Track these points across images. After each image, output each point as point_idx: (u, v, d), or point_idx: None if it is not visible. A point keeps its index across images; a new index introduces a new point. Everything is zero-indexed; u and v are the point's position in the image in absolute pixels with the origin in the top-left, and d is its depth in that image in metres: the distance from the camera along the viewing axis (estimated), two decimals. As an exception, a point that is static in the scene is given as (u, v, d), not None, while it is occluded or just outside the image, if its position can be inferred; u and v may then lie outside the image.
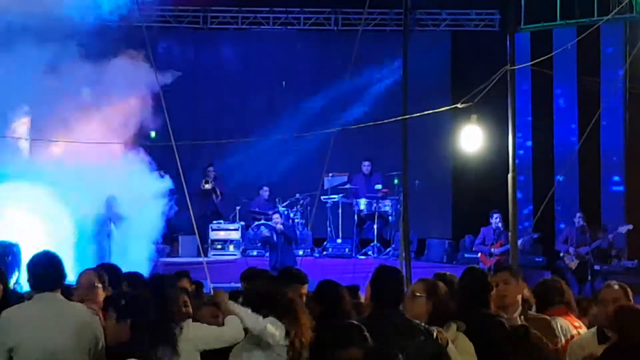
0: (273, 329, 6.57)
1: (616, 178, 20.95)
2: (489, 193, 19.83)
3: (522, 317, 7.43)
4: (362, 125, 15.49)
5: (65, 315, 6.83)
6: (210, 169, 21.35)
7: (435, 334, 6.40)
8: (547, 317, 7.56)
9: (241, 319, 6.70)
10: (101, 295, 7.45)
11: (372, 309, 6.72)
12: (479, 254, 19.38)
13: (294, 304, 6.81)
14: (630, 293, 7.46)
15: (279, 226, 19.19)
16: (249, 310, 6.67)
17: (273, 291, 6.91)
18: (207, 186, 21.16)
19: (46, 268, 7.01)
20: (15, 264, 15.13)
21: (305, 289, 7.87)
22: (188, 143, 16.68)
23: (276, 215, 19.52)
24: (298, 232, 20.05)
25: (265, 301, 6.76)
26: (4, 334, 6.72)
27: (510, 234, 14.39)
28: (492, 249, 19.05)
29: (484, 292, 7.20)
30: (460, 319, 6.83)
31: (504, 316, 7.11)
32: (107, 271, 8.19)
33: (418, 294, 6.89)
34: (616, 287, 7.46)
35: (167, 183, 18.36)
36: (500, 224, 18.99)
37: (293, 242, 19.40)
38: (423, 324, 6.54)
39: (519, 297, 7.55)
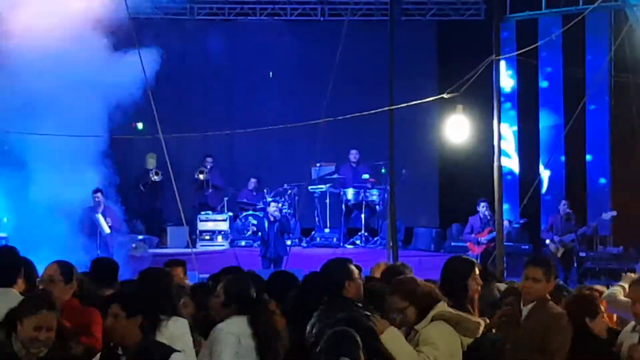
0: None
1: (602, 166, 21.03)
2: (475, 181, 19.93)
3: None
4: (348, 116, 15.52)
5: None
6: (209, 159, 21.41)
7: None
8: (563, 311, 7.24)
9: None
10: (62, 290, 7.14)
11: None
12: (467, 243, 19.48)
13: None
14: None
15: (276, 213, 19.00)
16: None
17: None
18: (201, 177, 21.22)
19: (1, 263, 7.03)
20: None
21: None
22: (175, 136, 16.69)
23: (273, 204, 19.35)
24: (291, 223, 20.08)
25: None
26: None
27: (496, 221, 14.48)
28: (480, 237, 19.16)
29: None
30: None
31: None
32: (102, 267, 8.23)
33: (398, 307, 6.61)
34: None
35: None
36: (487, 212, 19.07)
37: (286, 233, 19.33)
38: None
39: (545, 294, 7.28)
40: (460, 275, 7.02)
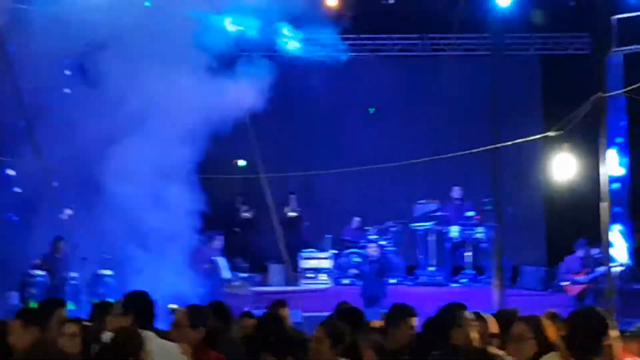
0: None
1: None
2: (583, 220, 19.47)
3: None
4: (451, 155, 15.35)
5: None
6: (292, 197, 21.40)
7: None
8: None
9: None
10: (188, 336, 7.33)
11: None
12: (564, 283, 19.05)
13: None
14: None
15: (375, 253, 18.78)
16: None
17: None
18: (291, 214, 21.23)
19: (147, 307, 7.26)
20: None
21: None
22: (277, 175, 16.72)
23: (372, 245, 19.19)
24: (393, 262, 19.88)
25: None
26: None
27: (604, 261, 14.13)
28: (576, 277, 18.69)
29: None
30: None
31: None
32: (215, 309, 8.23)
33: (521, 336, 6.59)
34: None
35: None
36: (587, 252, 18.66)
37: (386, 273, 19.11)
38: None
39: None
40: (593, 334, 5.99)
